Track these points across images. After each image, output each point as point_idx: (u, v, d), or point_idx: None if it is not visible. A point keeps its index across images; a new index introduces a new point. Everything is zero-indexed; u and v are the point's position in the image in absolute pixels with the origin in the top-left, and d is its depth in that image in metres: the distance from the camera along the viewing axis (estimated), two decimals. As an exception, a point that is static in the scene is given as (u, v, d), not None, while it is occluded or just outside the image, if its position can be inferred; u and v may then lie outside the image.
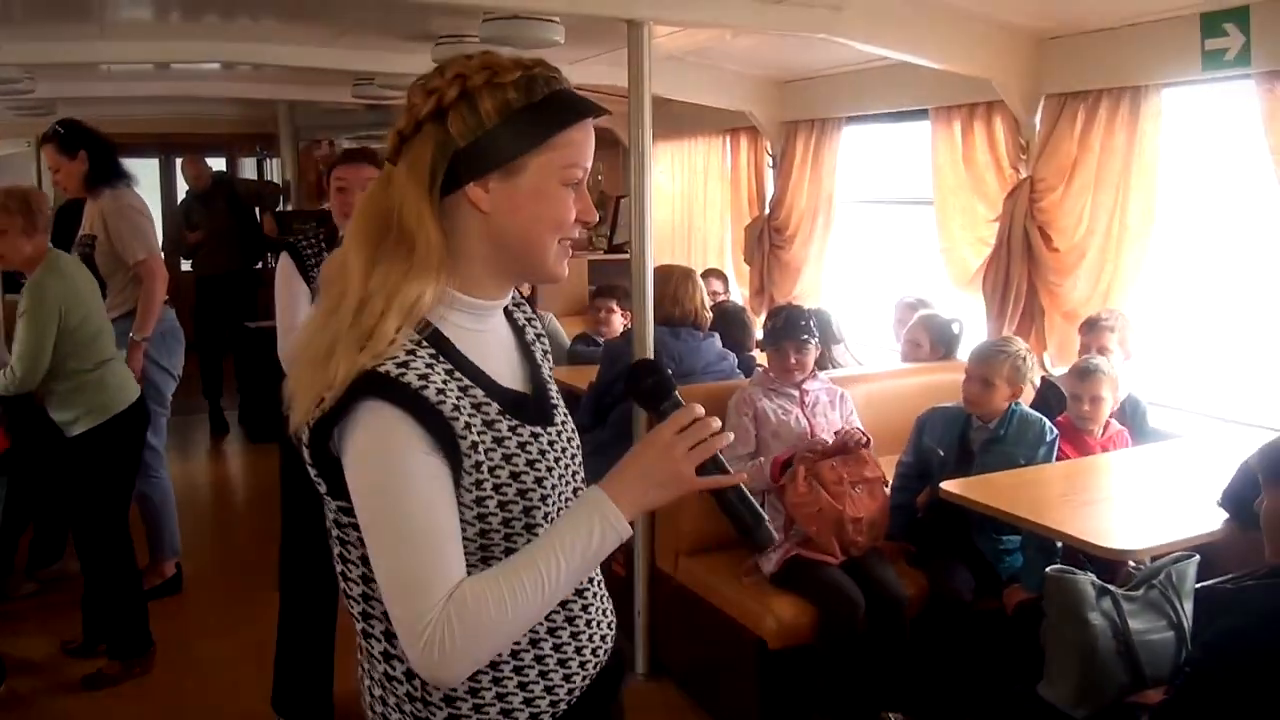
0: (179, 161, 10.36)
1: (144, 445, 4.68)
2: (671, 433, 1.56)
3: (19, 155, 10.94)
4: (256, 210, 9.56)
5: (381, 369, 1.45)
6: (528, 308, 1.84)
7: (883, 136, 6.67)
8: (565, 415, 1.72)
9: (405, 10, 5.33)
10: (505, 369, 1.64)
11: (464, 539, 1.50)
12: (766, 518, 1.64)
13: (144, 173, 12.69)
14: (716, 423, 1.58)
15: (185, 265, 9.63)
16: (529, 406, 1.62)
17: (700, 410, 1.58)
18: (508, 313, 1.75)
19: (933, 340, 5.36)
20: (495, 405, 1.55)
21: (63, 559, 5.45)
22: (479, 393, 1.54)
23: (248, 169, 12.75)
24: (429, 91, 1.54)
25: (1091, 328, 4.65)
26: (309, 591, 3.85)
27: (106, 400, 4.34)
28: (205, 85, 8.42)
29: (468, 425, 1.49)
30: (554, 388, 1.76)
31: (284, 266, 3.68)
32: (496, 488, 1.52)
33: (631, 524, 1.53)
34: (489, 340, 1.64)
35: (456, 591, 1.44)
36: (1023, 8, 4.83)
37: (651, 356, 4.35)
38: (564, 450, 1.67)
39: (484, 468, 1.51)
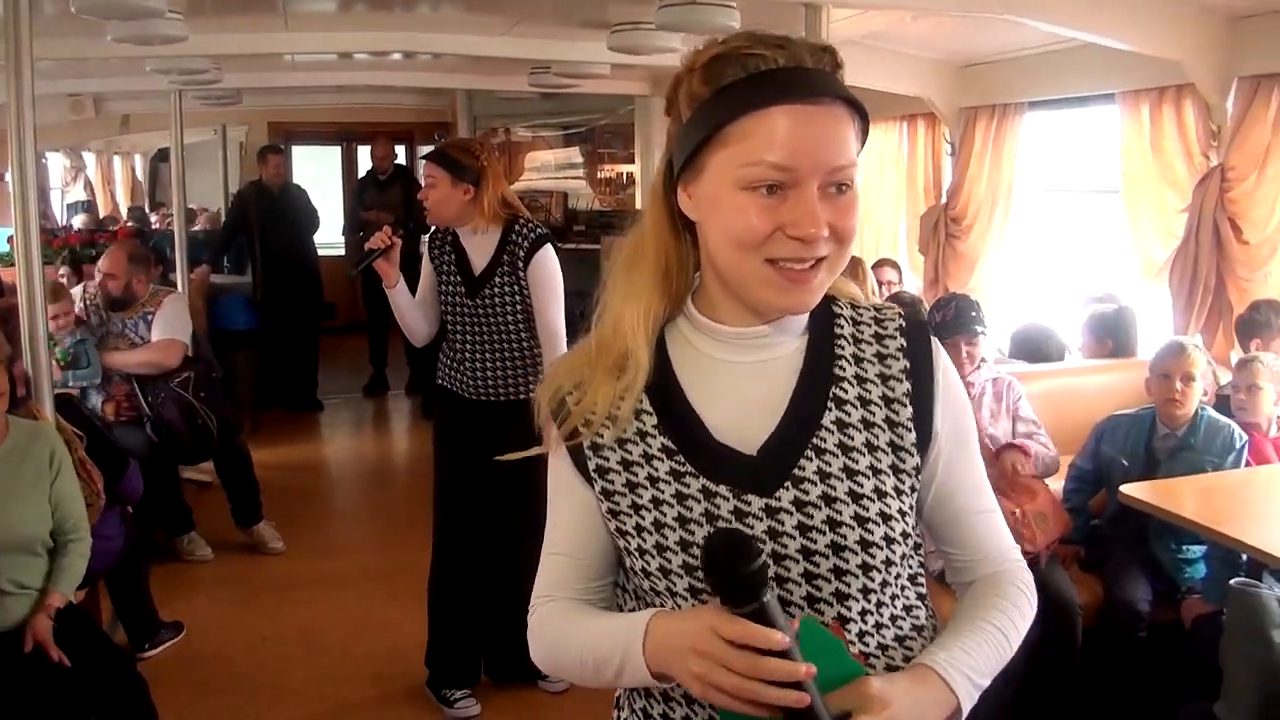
0: (366, 149, 10.59)
1: None
2: (724, 636, 1.20)
3: (207, 143, 11.44)
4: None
5: None
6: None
7: (1067, 122, 6.41)
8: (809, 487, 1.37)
9: (580, -2, 5.34)
10: (736, 412, 1.41)
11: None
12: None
13: (326, 160, 13.24)
14: (791, 671, 1.19)
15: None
16: (736, 465, 1.37)
17: (782, 642, 1.18)
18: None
19: (1097, 336, 5.15)
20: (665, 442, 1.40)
21: None
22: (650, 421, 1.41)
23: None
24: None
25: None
26: None
27: None
28: (386, 74, 8.59)
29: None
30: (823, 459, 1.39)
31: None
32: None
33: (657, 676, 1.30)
34: (737, 373, 1.42)
35: (548, 604, 1.47)
36: (1216, -15, 4.58)
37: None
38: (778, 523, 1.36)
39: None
